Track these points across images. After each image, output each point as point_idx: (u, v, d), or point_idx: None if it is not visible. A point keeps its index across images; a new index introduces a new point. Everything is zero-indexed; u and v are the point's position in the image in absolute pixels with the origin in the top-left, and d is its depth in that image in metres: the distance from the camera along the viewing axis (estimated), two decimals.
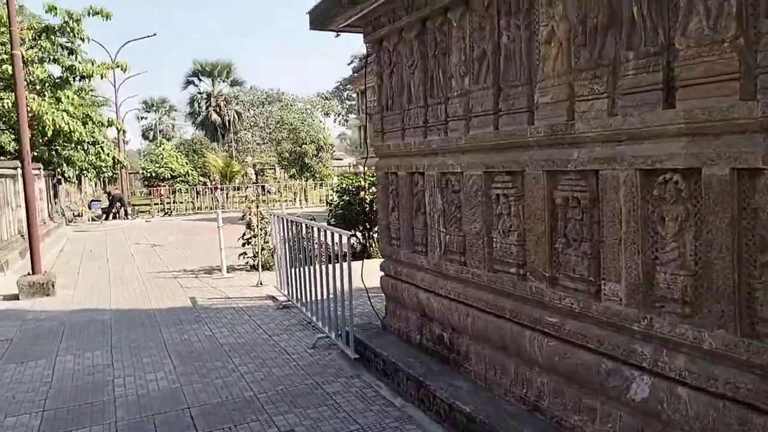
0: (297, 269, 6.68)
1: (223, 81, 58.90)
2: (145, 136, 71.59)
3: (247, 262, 10.02)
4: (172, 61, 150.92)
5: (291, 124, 34.38)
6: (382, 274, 5.10)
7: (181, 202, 25.74)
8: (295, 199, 27.40)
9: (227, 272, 9.54)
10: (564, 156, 2.93)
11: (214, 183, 27.67)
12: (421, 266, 4.37)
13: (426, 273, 4.33)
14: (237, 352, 5.43)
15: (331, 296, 5.45)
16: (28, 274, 8.50)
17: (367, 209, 10.12)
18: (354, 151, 71.00)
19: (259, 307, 7.29)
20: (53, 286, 8.42)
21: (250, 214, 9.74)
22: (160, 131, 67.16)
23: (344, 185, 10.49)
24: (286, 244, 7.17)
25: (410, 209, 4.50)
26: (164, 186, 26.54)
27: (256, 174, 37.19)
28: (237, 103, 57.20)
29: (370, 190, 10.23)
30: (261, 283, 8.58)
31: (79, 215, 22.88)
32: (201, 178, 30.40)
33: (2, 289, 8.78)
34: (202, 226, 18.53)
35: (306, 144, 31.69)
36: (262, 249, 9.59)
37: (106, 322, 6.81)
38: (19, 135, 8.44)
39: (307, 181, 30.53)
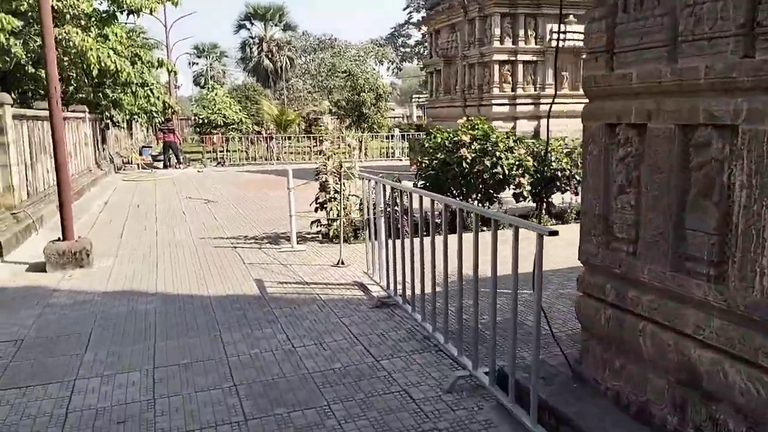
0: (401, 252, 4.80)
1: (276, 25, 56.81)
2: (196, 82, 70.54)
3: (320, 231, 8.23)
4: (224, 3, 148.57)
5: (347, 71, 32.16)
6: (582, 293, 3.13)
7: (234, 151, 24.19)
8: (351, 152, 25.47)
9: (297, 243, 7.76)
10: None
11: (269, 132, 25.98)
12: (700, 300, 2.38)
13: (712, 315, 2.34)
14: (334, 390, 3.62)
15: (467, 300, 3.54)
16: (59, 239, 6.91)
17: (467, 170, 8.09)
18: (407, 101, 68.32)
19: (347, 301, 5.47)
20: (88, 255, 6.81)
21: (326, 173, 7.86)
22: (211, 77, 65.91)
23: (439, 140, 8.44)
24: (390, 219, 5.29)
25: (675, 192, 2.47)
26: (217, 134, 24.99)
27: (310, 124, 35.40)
28: (289, 49, 55.11)
29: (472, 147, 8.18)
30: (342, 263, 6.75)
31: (128, 162, 21.60)
32: (255, 127, 28.75)
33: (29, 255, 7.25)
34: (259, 179, 16.88)
35: (364, 92, 29.51)
36: (338, 215, 7.76)
37: (149, 315, 5.12)
38: (45, 66, 6.69)
39: (363, 132, 28.54)
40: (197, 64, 72.60)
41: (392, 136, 25.31)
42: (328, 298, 5.57)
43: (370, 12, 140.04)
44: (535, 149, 8.94)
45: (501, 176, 8.11)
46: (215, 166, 22.05)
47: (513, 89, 15.15)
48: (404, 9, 72.96)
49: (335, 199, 7.87)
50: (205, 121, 27.32)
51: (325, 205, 7.95)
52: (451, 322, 4.03)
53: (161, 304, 5.45)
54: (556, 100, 12.89)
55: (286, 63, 54.27)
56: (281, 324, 4.83)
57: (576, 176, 8.87)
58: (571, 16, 15.23)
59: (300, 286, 5.99)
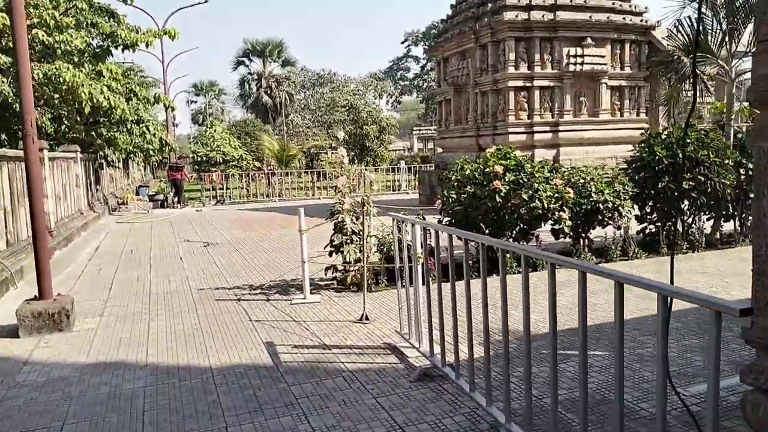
0: (439, 305, 3.82)
1: (274, 61, 56.66)
2: (194, 120, 70.41)
3: (335, 277, 7.23)
4: (221, 41, 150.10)
5: (350, 104, 31.63)
6: (755, 388, 2.13)
7: (234, 188, 23.34)
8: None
9: (311, 293, 6.75)
10: None
11: (270, 168, 25.15)
12: None
13: None
14: None
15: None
16: (35, 298, 5.90)
17: (500, 204, 7.14)
18: (406, 134, 67.88)
19: (381, 371, 4.44)
20: (68, 317, 5.80)
21: (342, 212, 6.90)
22: (209, 114, 65.61)
23: (467, 171, 7.51)
24: (425, 265, 4.33)
25: None
26: (216, 171, 24.16)
27: (312, 158, 34.68)
28: (288, 84, 54.91)
29: (506, 178, 7.25)
30: (366, 318, 5.74)
31: (124, 203, 20.69)
32: (255, 163, 27.96)
33: (2, 316, 6.24)
34: (261, 218, 15.93)
35: (367, 125, 28.84)
36: (358, 260, 6.79)
37: (137, 399, 4.09)
38: (20, 98, 5.78)
39: (367, 166, 27.76)
40: (196, 102, 72.67)
41: (398, 168, 24.48)
42: (356, 367, 4.55)
43: (369, 46, 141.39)
44: (572, 179, 8.02)
45: (540, 210, 7.15)
46: (214, 205, 21.14)
47: (529, 116, 14.34)
48: (402, 42, 73.48)
49: (353, 241, 6.91)
50: (204, 158, 26.54)
51: (341, 249, 6.98)
52: (518, 396, 3.01)
53: (152, 380, 4.43)
54: (574, 128, 12.02)
55: (285, 98, 53.94)
56: (302, 408, 3.81)
57: (620, 208, 7.95)
58: (589, 39, 14.53)
59: (319, 350, 4.97)
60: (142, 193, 26.25)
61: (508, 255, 7.00)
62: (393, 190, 23.55)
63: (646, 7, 15.26)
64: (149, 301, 6.91)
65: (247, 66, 56.67)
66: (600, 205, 7.85)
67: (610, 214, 7.95)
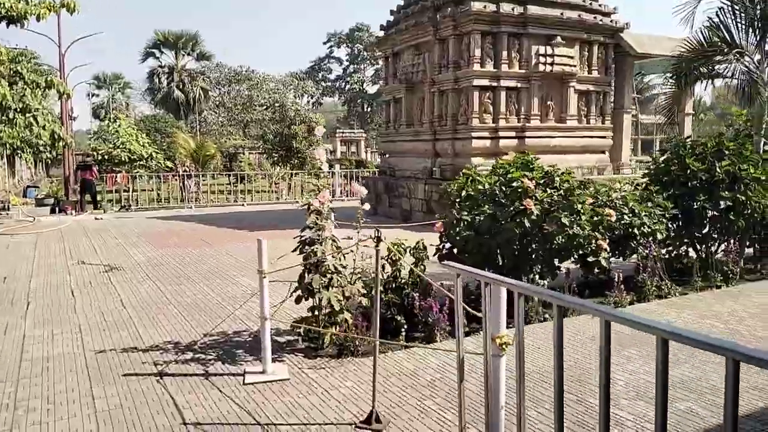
0: None
1: (188, 54, 52.76)
2: (96, 115, 64.67)
3: (308, 333, 5.08)
4: (128, 35, 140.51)
5: (276, 101, 29.19)
6: None
7: (143, 190, 20.27)
8: (281, 192, 22.23)
9: (272, 360, 4.55)
10: None
11: (186, 169, 22.21)
12: None
13: None
14: None
15: None
16: None
17: (530, 230, 5.29)
18: (328, 136, 65.63)
19: None
20: None
21: (321, 242, 4.75)
22: (113, 109, 60.26)
23: (486, 185, 5.59)
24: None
25: None
26: (120, 172, 20.95)
27: (230, 159, 31.82)
28: (203, 80, 51.23)
29: (547, 195, 5.40)
30: (378, 420, 3.65)
31: (4, 208, 17.18)
32: (167, 163, 24.84)
33: None
34: (178, 229, 13.29)
35: (295, 124, 26.46)
36: (340, 309, 4.70)
37: None
38: None
39: (294, 169, 25.42)
40: (98, 95, 66.94)
41: (333, 173, 22.34)
42: None
43: (288, 45, 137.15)
44: (598, 196, 6.33)
45: (581, 239, 5.36)
46: (118, 211, 18.06)
47: (494, 120, 12.72)
48: (324, 43, 71.25)
49: (333, 283, 4.78)
50: (106, 157, 23.17)
51: (316, 293, 4.82)
52: None
53: None
54: (541, 134, 10.41)
55: (200, 94, 50.28)
56: None
57: (658, 233, 6.33)
58: (559, 38, 13.14)
59: None
60: (31, 195, 22.61)
61: (534, 300, 5.17)
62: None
63: (615, 8, 14.11)
64: (16, 381, 4.45)
65: (158, 58, 52.42)
66: (635, 229, 6.19)
67: (644, 240, 6.32)
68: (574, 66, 13.35)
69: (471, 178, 5.77)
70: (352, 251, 5.05)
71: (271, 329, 5.07)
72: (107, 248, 10.76)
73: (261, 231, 12.62)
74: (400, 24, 14.61)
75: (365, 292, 4.91)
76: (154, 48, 51.78)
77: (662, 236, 6.38)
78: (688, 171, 6.88)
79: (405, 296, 5.24)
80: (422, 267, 5.31)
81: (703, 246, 7.16)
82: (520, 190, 5.33)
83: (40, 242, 11.53)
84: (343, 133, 54.16)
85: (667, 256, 6.93)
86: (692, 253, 7.41)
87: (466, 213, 5.40)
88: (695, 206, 6.72)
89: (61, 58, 22.76)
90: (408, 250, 5.38)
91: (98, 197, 18.68)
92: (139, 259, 9.61)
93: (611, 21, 13.97)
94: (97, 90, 66.79)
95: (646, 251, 6.35)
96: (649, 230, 6.20)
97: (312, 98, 65.58)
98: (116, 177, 19.74)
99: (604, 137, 14.28)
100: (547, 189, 5.51)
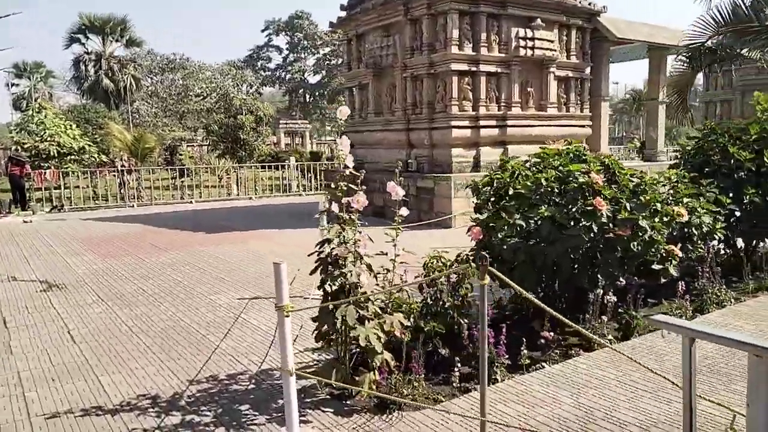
0: None
1: (117, 40, 49.49)
2: (16, 107, 59.95)
3: (328, 366, 3.92)
4: (50, 19, 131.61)
5: (220, 89, 27.39)
6: None
7: (76, 187, 18.23)
8: (229, 186, 20.62)
9: (301, 422, 3.39)
10: None
11: (125, 163, 20.18)
12: None
13: None
14: None
15: None
16: None
17: (598, 236, 4.33)
18: (271, 127, 63.54)
19: None
20: None
21: (351, 263, 3.60)
22: (35, 100, 55.97)
23: (543, 181, 4.55)
24: None
25: None
26: (49, 168, 18.79)
27: (171, 153, 29.71)
28: (135, 68, 48.22)
29: (613, 192, 4.43)
30: None
31: None
32: (101, 157, 22.70)
33: None
34: (123, 232, 11.68)
35: (242, 114, 24.76)
36: (381, 350, 3.60)
37: None
38: None
39: (242, 162, 23.80)
40: (18, 85, 62.16)
41: (287, 166, 20.92)
42: None
43: (224, 34, 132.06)
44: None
45: (662, 246, 4.46)
46: (49, 212, 16.10)
47: (474, 108, 11.79)
48: (263, 31, 68.71)
49: (370, 315, 3.66)
50: (33, 151, 20.83)
51: (348, 329, 3.67)
52: None
53: None
54: (522, 122, 9.57)
55: (131, 83, 47.24)
56: None
57: (717, 232, 5.54)
58: (539, 20, 12.33)
59: None
60: None
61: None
62: (282, 192, 19.96)
63: None
64: None
65: (84, 44, 48.85)
66: (693, 228, 5.36)
67: (701, 241, 5.51)
68: (555, 51, 12.59)
69: (517, 171, 4.74)
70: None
71: (274, 368, 3.95)
72: (42, 258, 9.15)
73: (221, 233, 11.25)
74: (365, 2, 13.42)
75: (409, 324, 3.81)
76: (79, 33, 48.23)
77: (721, 236, 5.59)
78: (732, 161, 6.13)
79: (451, 323, 4.18)
80: (468, 286, 4.27)
81: (752, 244, 6.45)
82: (585, 186, 4.35)
83: None
84: (286, 124, 52.26)
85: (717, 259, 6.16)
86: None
87: (518, 216, 4.37)
88: (745, 200, 5.97)
89: None
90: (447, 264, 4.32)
91: (26, 196, 16.60)
92: (83, 271, 8.11)
93: (589, 4, 13.29)
94: (16, 79, 62.08)
95: (701, 252, 5.54)
96: (708, 230, 5.38)
97: (251, 88, 63.09)
98: (45, 173, 17.62)
99: (583, 126, 13.64)
100: (612, 185, 4.56)
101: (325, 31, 67.40)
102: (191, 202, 18.01)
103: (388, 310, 3.83)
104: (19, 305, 6.42)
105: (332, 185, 3.80)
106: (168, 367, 4.51)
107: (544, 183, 4.45)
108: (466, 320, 4.15)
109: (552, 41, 12.56)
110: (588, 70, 13.74)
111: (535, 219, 4.38)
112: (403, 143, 12.71)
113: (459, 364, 3.89)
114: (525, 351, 4.09)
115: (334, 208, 3.81)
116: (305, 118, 61.77)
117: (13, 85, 62.42)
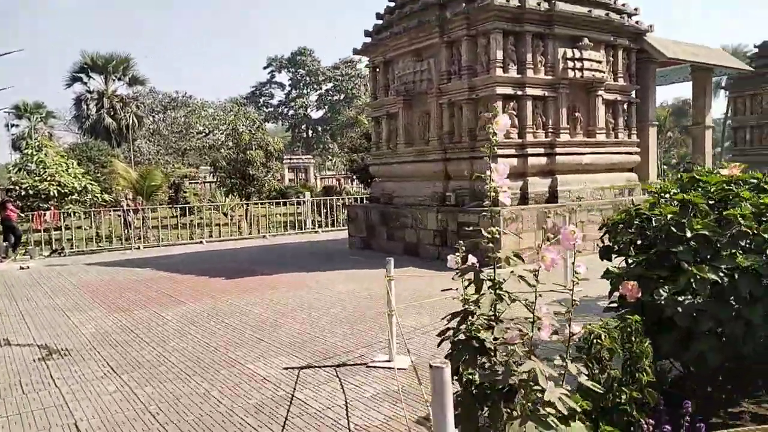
0: None
1: (120, 79, 48.95)
2: (16, 147, 59.12)
3: None
4: (52, 61, 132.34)
5: (229, 124, 26.48)
6: None
7: (78, 227, 17.01)
8: (240, 224, 19.45)
9: None
10: None
11: (131, 202, 19.01)
12: None
13: None
14: None
15: None
16: None
17: None
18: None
19: None
20: None
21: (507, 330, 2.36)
22: (36, 139, 55.16)
23: (714, 218, 3.35)
24: None
25: None
26: (49, 209, 17.62)
27: (176, 190, 28.60)
28: (137, 105, 47.61)
29: None
30: None
31: None
32: (104, 196, 21.55)
33: None
34: (134, 279, 10.37)
35: (251, 150, 23.72)
36: None
37: None
38: None
39: (250, 198, 22.68)
40: (17, 125, 61.46)
41: (302, 202, 19.77)
42: None
43: (226, 71, 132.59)
44: None
45: None
46: (49, 256, 14.84)
47: (520, 135, 10.70)
48: (265, 68, 68.65)
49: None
50: (31, 191, 19.69)
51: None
52: None
53: None
54: (571, 150, 8.32)
55: (133, 121, 46.48)
56: None
57: None
58: (586, 40, 11.34)
59: None
60: None
61: None
62: (296, 228, 18.74)
63: (636, 9, 12.49)
64: None
65: (86, 83, 48.26)
66: None
67: None
68: (603, 72, 11.56)
69: (693, 205, 3.52)
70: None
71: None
72: (40, 315, 7.86)
73: (244, 278, 9.99)
74: (393, 27, 12.45)
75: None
76: (81, 72, 47.68)
77: None
78: None
79: (628, 423, 2.92)
80: (647, 369, 3.01)
81: None
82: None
83: None
84: (290, 159, 51.41)
85: None
86: None
87: (707, 267, 3.14)
88: None
89: None
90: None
91: (22, 239, 15.35)
92: (90, 332, 6.83)
93: (636, 22, 12.33)
94: (17, 120, 61.47)
95: None
96: None
97: (254, 124, 62.58)
98: (45, 215, 16.43)
99: (631, 153, 12.53)
100: None
101: (327, 66, 67.65)
102: (201, 242, 16.78)
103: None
104: (11, 383, 5.13)
105: (480, 229, 2.60)
106: None
107: (743, 222, 3.23)
108: (650, 421, 2.88)
109: (600, 62, 11.54)
110: (634, 93, 12.71)
111: (725, 271, 3.16)
112: (439, 175, 11.55)
113: None
114: None
115: (472, 259, 2.64)
116: (308, 152, 61.11)
117: (12, 125, 61.79)
